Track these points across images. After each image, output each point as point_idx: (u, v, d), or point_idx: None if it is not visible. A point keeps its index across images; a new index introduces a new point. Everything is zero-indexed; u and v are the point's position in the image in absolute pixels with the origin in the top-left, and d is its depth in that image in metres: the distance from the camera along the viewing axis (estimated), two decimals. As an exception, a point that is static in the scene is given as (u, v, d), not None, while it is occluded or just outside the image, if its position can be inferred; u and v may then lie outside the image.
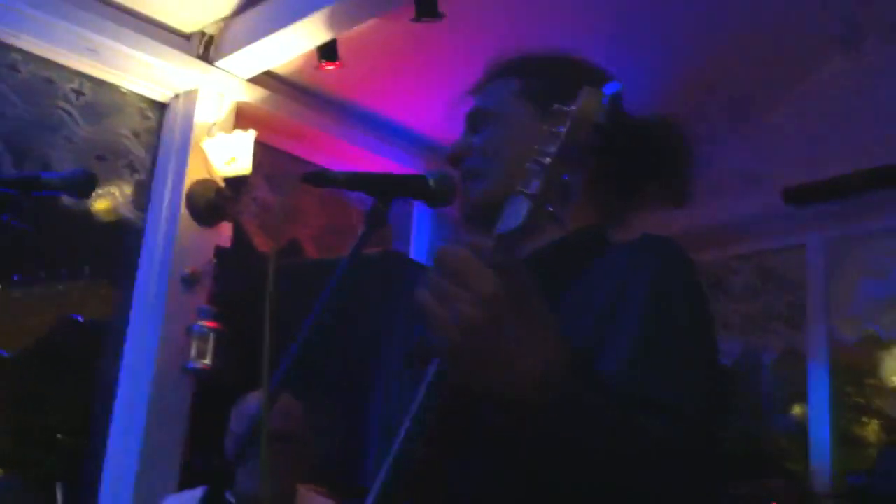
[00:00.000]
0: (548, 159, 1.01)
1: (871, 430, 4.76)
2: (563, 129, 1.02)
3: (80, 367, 3.96)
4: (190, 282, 3.74)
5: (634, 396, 1.09)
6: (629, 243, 1.32)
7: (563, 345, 1.03)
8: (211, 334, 3.69)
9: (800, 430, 4.50)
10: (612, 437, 1.04)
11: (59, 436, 4.10)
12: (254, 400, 2.84)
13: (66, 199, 3.26)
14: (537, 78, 1.44)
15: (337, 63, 3.85)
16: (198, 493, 2.96)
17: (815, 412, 4.36)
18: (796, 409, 4.74)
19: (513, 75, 1.47)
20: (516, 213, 1.01)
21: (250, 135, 3.83)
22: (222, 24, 3.88)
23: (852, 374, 4.69)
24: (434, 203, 1.38)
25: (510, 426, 1.04)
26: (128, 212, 3.85)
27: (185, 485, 3.47)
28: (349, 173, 1.40)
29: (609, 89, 1.04)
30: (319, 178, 1.36)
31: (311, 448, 2.82)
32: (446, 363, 1.04)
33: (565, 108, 1.03)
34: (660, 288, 1.20)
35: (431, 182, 1.36)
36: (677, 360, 1.16)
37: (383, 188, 1.34)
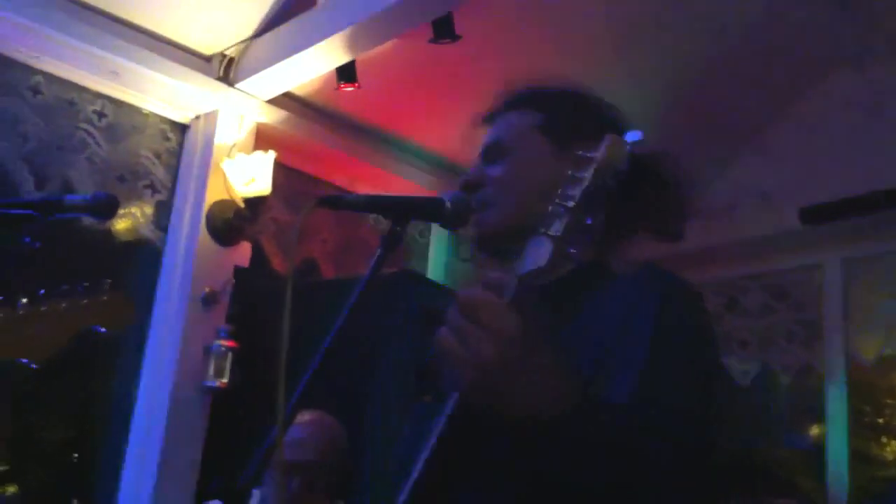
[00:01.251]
0: (571, 203, 1.04)
1: (890, 449, 4.73)
2: (587, 175, 1.04)
3: (99, 380, 3.98)
4: (208, 301, 3.77)
5: (637, 421, 1.13)
6: (631, 276, 1.34)
7: (573, 380, 1.07)
8: (229, 353, 3.71)
9: (816, 450, 4.48)
10: (612, 459, 1.07)
11: (75, 455, 4.13)
12: (296, 421, 2.82)
13: (86, 220, 3.29)
14: (555, 114, 1.46)
15: (355, 84, 3.88)
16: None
17: (832, 431, 4.34)
18: (813, 429, 4.72)
19: (529, 108, 1.49)
20: (539, 254, 1.04)
21: (270, 156, 3.87)
22: (242, 47, 3.92)
23: (870, 393, 4.66)
24: (450, 225, 1.41)
25: (519, 452, 1.08)
26: (148, 232, 3.88)
27: None
28: (365, 196, 1.43)
29: (632, 137, 1.08)
30: (336, 202, 1.39)
31: (346, 475, 2.79)
32: (464, 397, 1.07)
33: (588, 155, 1.06)
34: (662, 321, 1.24)
35: (448, 205, 1.38)
36: (679, 389, 1.20)
37: (399, 211, 1.36)
